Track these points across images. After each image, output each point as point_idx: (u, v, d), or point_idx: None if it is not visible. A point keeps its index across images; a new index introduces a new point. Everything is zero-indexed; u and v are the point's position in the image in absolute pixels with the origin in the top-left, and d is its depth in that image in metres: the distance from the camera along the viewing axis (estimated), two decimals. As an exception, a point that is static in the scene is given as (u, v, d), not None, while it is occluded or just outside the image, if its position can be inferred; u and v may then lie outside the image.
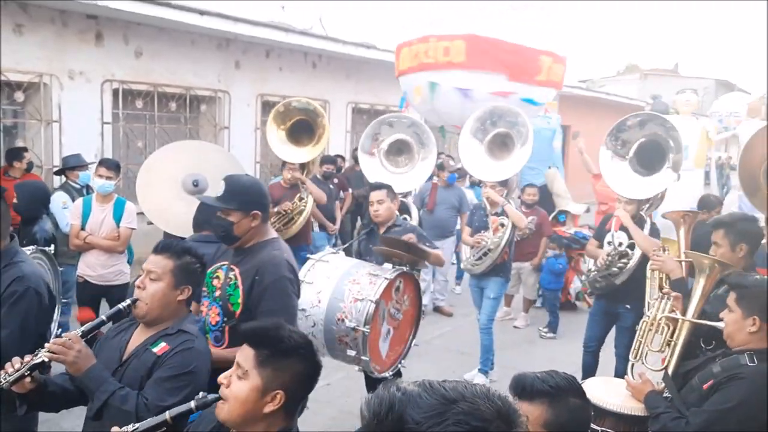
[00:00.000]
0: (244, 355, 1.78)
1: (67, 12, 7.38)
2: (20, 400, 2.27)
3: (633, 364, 3.19)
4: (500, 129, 6.12)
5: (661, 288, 3.62)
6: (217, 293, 2.88)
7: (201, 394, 1.89)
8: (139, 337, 2.41)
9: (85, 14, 7.54)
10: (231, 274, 2.87)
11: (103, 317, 2.42)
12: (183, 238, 3.95)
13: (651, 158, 5.03)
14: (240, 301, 2.81)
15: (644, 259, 4.75)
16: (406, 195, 6.79)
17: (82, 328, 2.35)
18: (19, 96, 7.24)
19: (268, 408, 1.75)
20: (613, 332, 5.30)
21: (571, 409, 1.80)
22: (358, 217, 10.13)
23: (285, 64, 10.21)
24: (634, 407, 2.84)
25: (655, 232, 4.98)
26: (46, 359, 2.20)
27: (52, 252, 4.65)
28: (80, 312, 4.69)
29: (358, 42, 10.81)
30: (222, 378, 1.80)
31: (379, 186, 4.80)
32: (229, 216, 2.83)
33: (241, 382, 1.76)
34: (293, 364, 1.78)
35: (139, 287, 2.40)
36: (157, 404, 2.13)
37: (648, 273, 3.94)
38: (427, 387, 0.98)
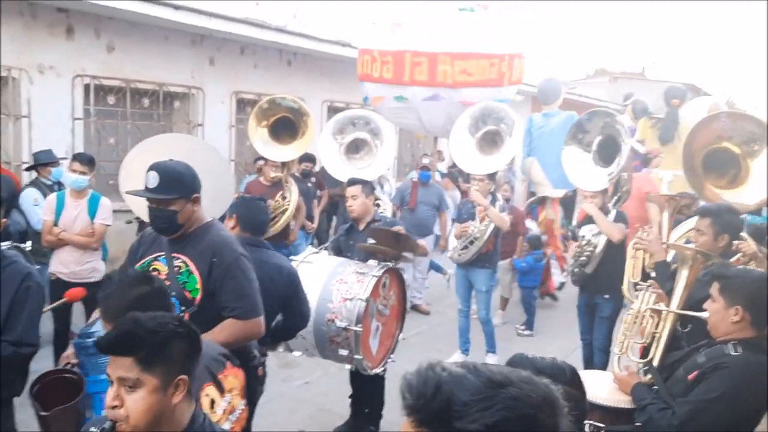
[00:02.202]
0: (123, 366, 1.65)
1: (37, 4, 7.20)
2: None
3: (619, 357, 3.23)
4: (490, 126, 6.26)
5: (643, 269, 3.70)
6: (166, 284, 2.71)
7: (93, 430, 1.74)
8: None
9: (55, 7, 7.36)
10: (177, 263, 2.79)
11: None
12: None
13: (608, 152, 5.36)
14: (198, 286, 2.75)
15: (610, 246, 5.02)
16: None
17: None
18: (-13, 90, 7.05)
19: (177, 397, 1.70)
20: None
21: (565, 399, 1.79)
22: (333, 216, 10.10)
23: (260, 62, 10.12)
24: (620, 400, 2.87)
25: (621, 218, 5.16)
26: None
27: (28, 249, 4.55)
28: (69, 291, 4.49)
29: (333, 40, 10.77)
30: (109, 403, 1.66)
31: (353, 182, 4.81)
32: (170, 206, 2.73)
33: (135, 393, 1.65)
34: (177, 345, 1.69)
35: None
36: None
37: (630, 252, 4.02)
38: (471, 368, 0.96)
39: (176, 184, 2.72)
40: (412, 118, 7.78)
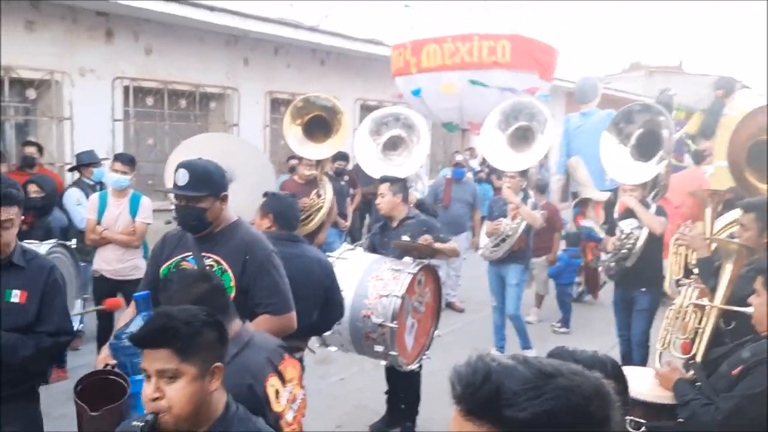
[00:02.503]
0: (161, 358, 1.69)
1: (78, 9, 7.39)
2: None
3: (660, 353, 3.18)
4: (522, 122, 6.20)
5: (686, 266, 3.64)
6: None
7: (138, 419, 1.75)
8: None
9: (95, 11, 7.55)
10: (208, 262, 2.77)
11: None
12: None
13: (648, 146, 5.28)
14: (233, 284, 2.73)
15: (651, 239, 4.95)
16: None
17: None
18: (31, 93, 7.26)
19: (214, 385, 1.76)
20: None
21: None
22: (366, 214, 10.14)
23: (293, 61, 10.22)
24: (662, 395, 2.84)
25: (661, 212, 5.10)
26: None
27: (74, 247, 4.69)
28: (107, 301, 4.70)
29: (366, 38, 10.81)
30: (150, 396, 1.69)
31: (383, 180, 4.83)
32: (199, 203, 2.72)
33: (176, 383, 1.69)
34: (209, 334, 1.76)
35: None
36: None
37: (672, 248, 3.96)
38: (521, 360, 0.96)
39: (206, 181, 2.73)
40: (483, 104, 7.83)
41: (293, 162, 8.85)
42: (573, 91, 9.02)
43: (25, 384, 2.72)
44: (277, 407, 2.21)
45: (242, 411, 1.86)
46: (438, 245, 4.40)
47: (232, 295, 2.70)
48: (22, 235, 5.24)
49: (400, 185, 4.77)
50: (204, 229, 2.78)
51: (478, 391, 0.92)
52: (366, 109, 11.82)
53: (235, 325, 2.38)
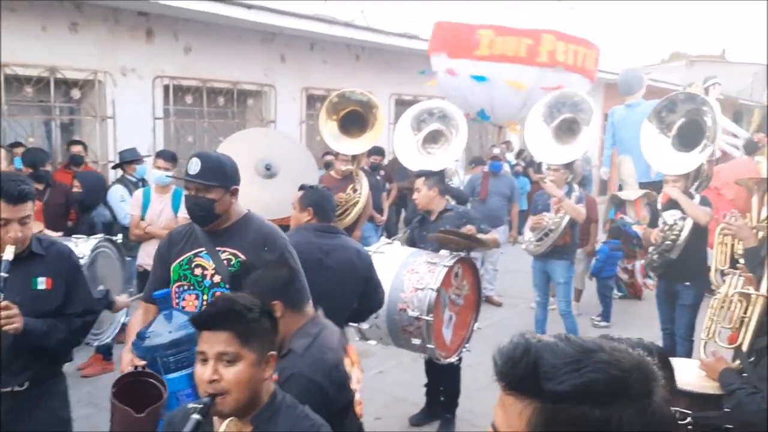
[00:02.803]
0: (222, 340, 1.71)
1: (120, 10, 7.56)
2: None
3: (705, 343, 3.14)
4: (567, 114, 6.13)
5: (732, 256, 3.56)
6: (216, 279, 2.69)
7: (195, 402, 1.78)
8: None
9: (136, 11, 7.71)
10: (225, 256, 2.71)
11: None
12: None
13: (691, 136, 5.17)
14: None
15: (696, 230, 4.88)
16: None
17: None
18: (76, 93, 7.45)
19: (267, 372, 1.79)
20: None
21: None
22: (402, 209, 10.16)
23: (329, 57, 10.28)
24: (707, 386, 2.80)
25: (705, 202, 5.01)
26: None
27: (120, 242, 4.82)
28: None
29: (400, 33, 10.82)
30: (209, 377, 1.70)
31: (419, 174, 4.86)
32: (208, 193, 2.66)
33: (235, 367, 1.71)
34: (265, 323, 1.80)
35: None
36: None
37: (717, 239, 3.88)
38: (563, 338, 0.96)
39: (217, 172, 2.68)
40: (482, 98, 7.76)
41: (329, 158, 8.93)
42: (613, 83, 8.90)
43: (56, 364, 2.85)
44: (353, 385, 2.33)
45: (289, 399, 1.87)
46: (480, 235, 4.41)
47: None
48: (68, 231, 5.46)
49: (436, 179, 4.78)
50: (211, 221, 2.71)
51: (517, 365, 0.93)
52: (400, 103, 11.84)
53: (310, 308, 2.47)
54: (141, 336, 2.46)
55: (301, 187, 3.81)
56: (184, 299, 2.71)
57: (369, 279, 3.67)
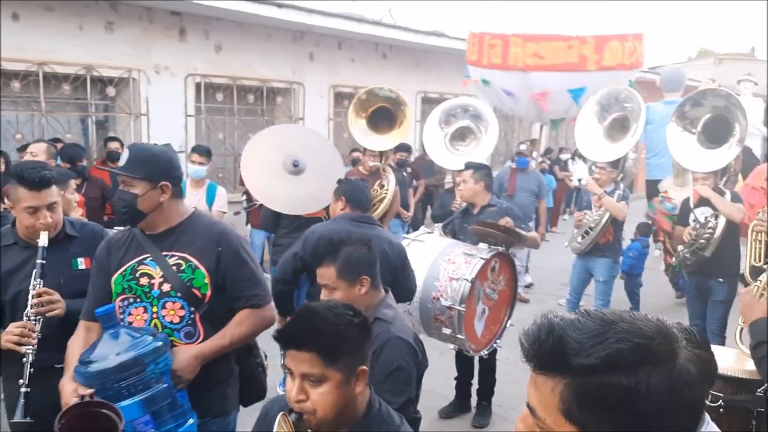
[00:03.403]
0: (306, 361, 1.64)
1: (153, 9, 7.71)
2: None
3: (742, 329, 3.14)
4: (617, 113, 6.10)
5: (766, 252, 3.56)
6: (165, 287, 2.37)
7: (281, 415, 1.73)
8: None
9: (169, 11, 7.86)
10: (174, 261, 2.39)
11: None
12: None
13: (718, 132, 5.14)
14: (207, 281, 2.38)
15: (730, 227, 4.85)
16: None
17: None
18: (111, 91, 7.61)
19: (359, 387, 1.71)
20: None
21: (692, 360, 1.79)
22: (429, 206, 10.20)
23: (357, 55, 10.36)
24: (741, 370, 2.83)
25: (736, 198, 5.00)
26: None
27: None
28: None
29: (428, 30, 10.87)
30: (295, 397, 1.66)
31: (466, 166, 4.86)
32: (132, 187, 2.37)
33: (321, 387, 1.65)
34: (354, 335, 1.70)
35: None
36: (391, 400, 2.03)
37: (751, 235, 3.88)
38: (584, 314, 1.00)
39: (145, 165, 2.38)
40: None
41: (356, 155, 9.02)
42: (642, 80, 8.83)
43: None
44: None
45: (385, 410, 1.81)
46: (519, 231, 4.41)
47: (209, 293, 2.39)
48: (105, 225, 5.59)
49: (483, 173, 4.78)
50: (136, 219, 2.42)
51: (544, 345, 0.97)
52: (427, 101, 11.89)
53: (382, 291, 2.57)
54: (84, 361, 2.18)
55: (338, 181, 3.93)
56: (130, 314, 2.40)
57: (400, 269, 3.73)
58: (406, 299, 3.96)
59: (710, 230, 4.87)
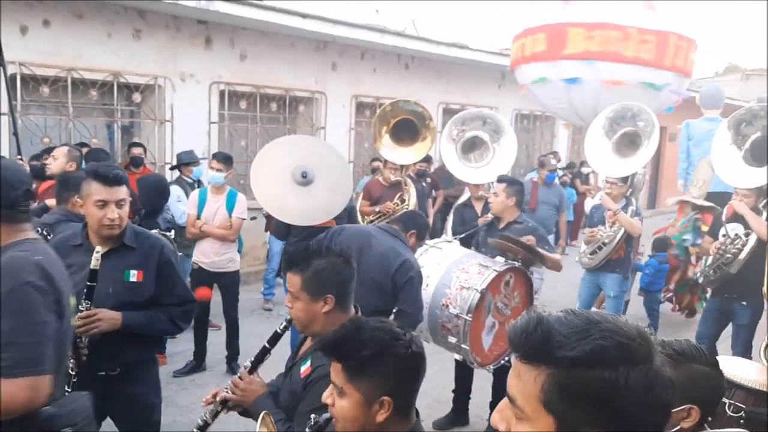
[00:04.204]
0: (336, 370, 1.65)
1: (180, 18, 7.85)
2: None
3: (766, 346, 3.11)
4: (628, 128, 6.07)
5: None
6: None
7: (312, 418, 1.80)
8: (307, 343, 2.41)
9: (196, 20, 7.99)
10: None
11: (266, 344, 2.42)
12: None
13: (764, 151, 5.10)
14: None
15: (759, 247, 4.76)
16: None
17: (250, 361, 2.41)
18: (137, 97, 7.75)
19: (380, 416, 1.63)
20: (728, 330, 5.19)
21: (693, 376, 1.80)
22: (447, 217, 10.20)
23: (379, 66, 10.43)
24: (764, 383, 2.80)
25: None
26: (226, 398, 2.37)
27: (172, 237, 5.01)
28: (197, 291, 5.04)
29: (450, 42, 10.91)
30: (325, 398, 1.69)
31: (500, 179, 4.86)
32: None
33: (342, 400, 1.65)
34: (387, 364, 1.62)
35: (288, 305, 2.32)
36: None
37: None
38: (570, 312, 1.06)
39: None
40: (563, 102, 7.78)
41: (376, 164, 9.06)
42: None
43: (152, 350, 3.09)
44: None
45: None
46: (542, 251, 4.38)
47: None
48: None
49: (516, 188, 4.77)
50: None
51: (531, 336, 1.03)
52: (448, 112, 11.92)
53: (351, 311, 2.48)
54: None
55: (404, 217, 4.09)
56: None
57: (399, 282, 3.67)
58: (416, 320, 3.98)
59: (739, 247, 4.81)
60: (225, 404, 2.38)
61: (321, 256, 2.26)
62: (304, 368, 2.21)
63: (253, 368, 2.41)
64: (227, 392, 2.37)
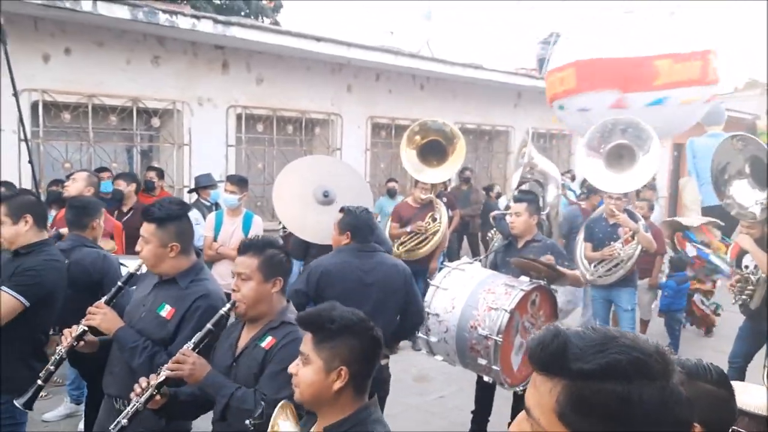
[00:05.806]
0: (305, 340, 1.90)
1: (198, 43, 8.00)
2: (157, 414, 2.41)
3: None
4: (619, 140, 6.01)
5: None
6: None
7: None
8: (247, 334, 2.51)
9: (213, 45, 8.14)
10: None
11: (209, 326, 2.47)
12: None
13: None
14: None
15: None
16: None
17: (193, 340, 2.45)
18: (156, 122, 7.89)
19: (336, 385, 1.83)
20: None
21: (701, 395, 1.77)
22: (464, 236, 10.18)
23: (394, 87, 10.51)
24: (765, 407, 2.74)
25: None
26: (169, 375, 2.35)
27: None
28: None
29: (465, 63, 10.96)
30: (291, 368, 1.92)
31: (521, 199, 4.82)
32: None
33: (306, 368, 1.86)
34: (347, 339, 1.85)
35: (234, 290, 2.47)
36: (275, 398, 2.15)
37: None
38: (589, 328, 1.07)
39: None
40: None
41: (392, 184, 9.10)
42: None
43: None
44: None
45: (372, 421, 1.86)
46: (561, 269, 4.36)
47: None
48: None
49: (537, 206, 4.78)
50: None
51: (548, 347, 1.04)
52: (464, 132, 11.90)
53: (285, 299, 2.67)
54: None
55: (341, 210, 3.99)
56: None
57: (408, 294, 3.77)
58: (419, 322, 4.00)
59: (751, 288, 4.74)
60: (162, 385, 2.34)
61: (273, 247, 2.56)
62: (266, 342, 2.42)
63: (196, 347, 2.46)
64: (167, 372, 2.34)
